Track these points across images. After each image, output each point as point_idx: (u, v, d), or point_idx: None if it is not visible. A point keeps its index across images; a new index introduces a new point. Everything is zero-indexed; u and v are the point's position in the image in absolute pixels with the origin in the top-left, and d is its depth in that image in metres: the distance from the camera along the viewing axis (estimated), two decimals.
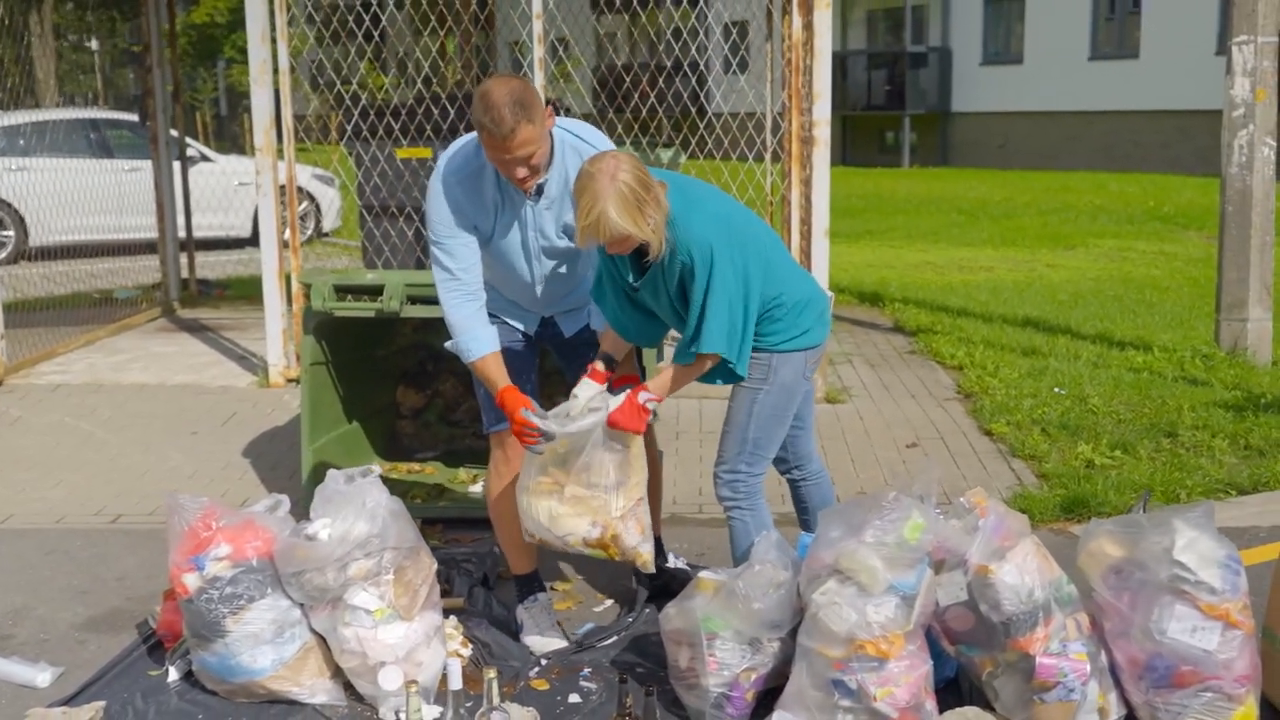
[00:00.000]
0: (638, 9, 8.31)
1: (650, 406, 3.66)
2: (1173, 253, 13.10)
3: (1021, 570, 3.23)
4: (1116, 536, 3.32)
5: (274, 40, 6.80)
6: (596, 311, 3.91)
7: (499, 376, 3.69)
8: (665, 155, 8.17)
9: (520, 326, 4.01)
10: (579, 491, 3.67)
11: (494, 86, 3.44)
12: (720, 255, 3.46)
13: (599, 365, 3.74)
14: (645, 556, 3.75)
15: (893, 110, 29.99)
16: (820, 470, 4.10)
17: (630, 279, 3.63)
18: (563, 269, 3.85)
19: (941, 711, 3.29)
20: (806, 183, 6.76)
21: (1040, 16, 27.46)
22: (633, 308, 3.72)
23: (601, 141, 3.74)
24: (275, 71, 6.85)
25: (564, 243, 3.76)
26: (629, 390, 3.67)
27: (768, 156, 8.07)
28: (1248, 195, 7.33)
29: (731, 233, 3.52)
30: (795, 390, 3.75)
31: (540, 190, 3.65)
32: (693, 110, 9.61)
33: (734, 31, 7.91)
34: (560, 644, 3.96)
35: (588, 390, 3.69)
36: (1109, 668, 3.29)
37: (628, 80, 8.73)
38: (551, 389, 4.56)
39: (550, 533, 3.70)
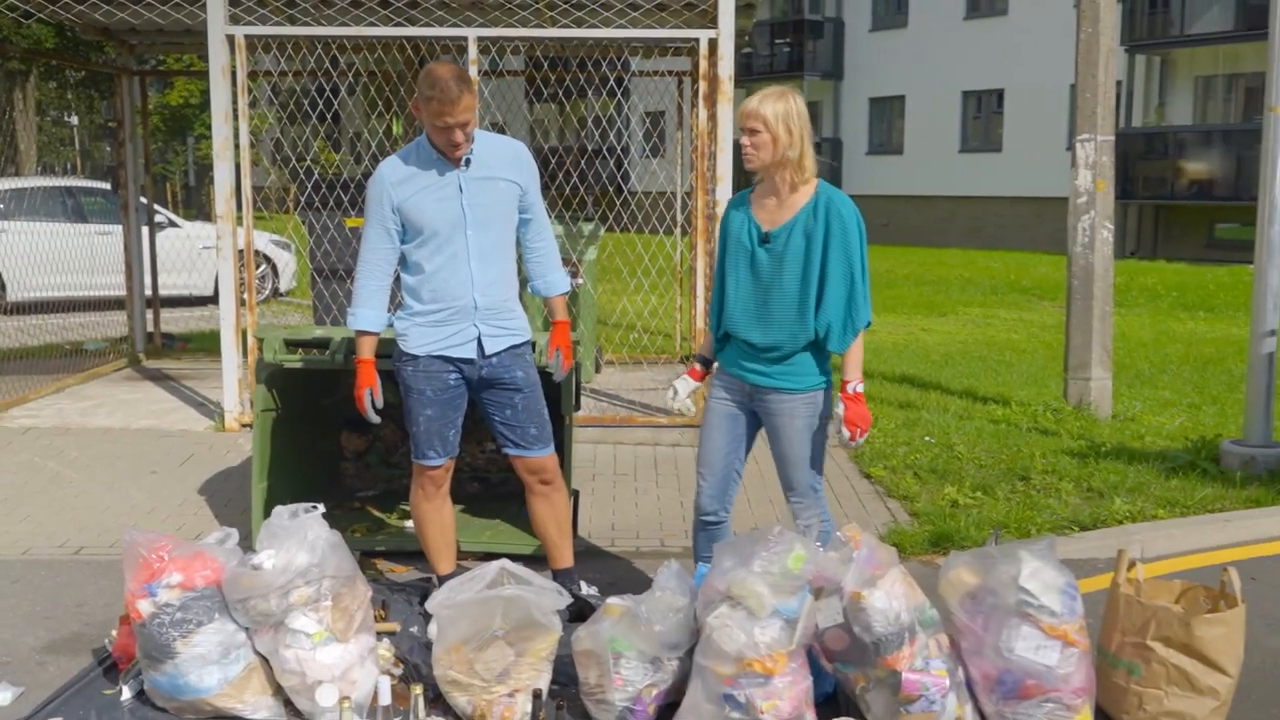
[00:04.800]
0: (563, 99, 8.42)
1: (861, 390, 3.77)
2: (1029, 320, 13.42)
3: (890, 596, 3.28)
4: (972, 566, 3.38)
5: (236, 119, 6.76)
6: (543, 278, 4.20)
7: (366, 350, 4.05)
8: (587, 228, 8.23)
9: (459, 355, 4.00)
10: (458, 676, 3.40)
11: (437, 67, 3.79)
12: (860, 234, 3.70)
13: (696, 365, 4.02)
14: None
15: None
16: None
17: (760, 231, 3.73)
18: (494, 251, 4.00)
19: None
20: (710, 254, 6.85)
21: (918, 114, 28.20)
22: (753, 284, 3.75)
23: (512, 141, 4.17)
24: (236, 148, 6.81)
25: (499, 205, 3.98)
26: (846, 394, 3.74)
27: (677, 230, 8.17)
28: (1090, 271, 7.56)
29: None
30: None
31: (468, 162, 3.92)
32: (611, 189, 9.72)
33: (647, 121, 8.00)
34: None
35: (686, 385, 3.98)
36: (965, 682, 3.33)
37: (555, 162, 8.81)
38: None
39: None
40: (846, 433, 3.75)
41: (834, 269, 3.66)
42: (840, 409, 3.75)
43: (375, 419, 4.14)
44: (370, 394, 4.05)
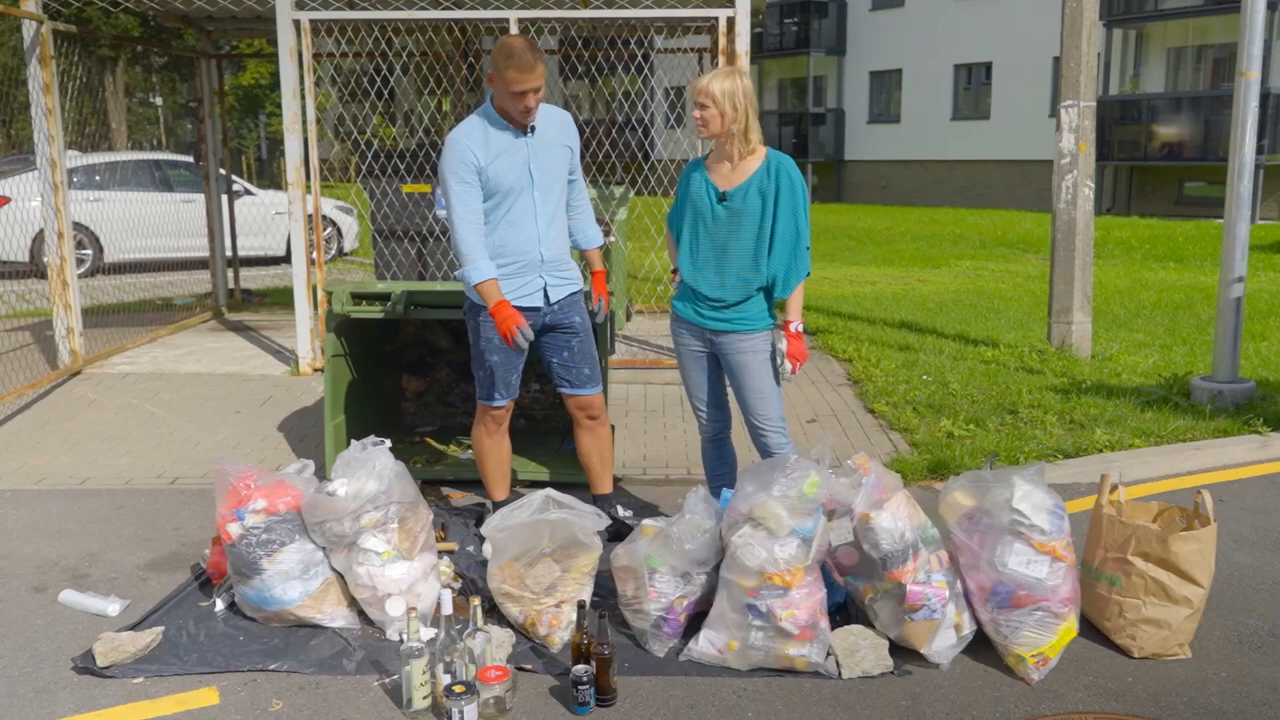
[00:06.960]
0: (594, 75, 8.30)
1: (800, 329, 3.75)
2: (1015, 271, 13.25)
3: (895, 517, 3.26)
4: (969, 490, 3.35)
5: (303, 96, 6.71)
6: (583, 233, 4.16)
7: (497, 293, 3.80)
8: (618, 191, 8.15)
9: (528, 304, 3.94)
10: (510, 589, 3.42)
11: (512, 38, 3.68)
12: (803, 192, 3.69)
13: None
14: (554, 641, 3.39)
15: (798, 158, 30.09)
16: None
17: (717, 191, 3.71)
18: (555, 209, 3.97)
19: (833, 629, 3.31)
20: None
21: (914, 85, 27.73)
22: (710, 238, 3.74)
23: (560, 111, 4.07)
24: (304, 122, 6.76)
25: (557, 168, 3.93)
26: (789, 332, 3.73)
27: None
28: (1072, 226, 7.43)
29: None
30: None
31: (533, 129, 3.84)
32: (639, 156, 9.61)
33: (671, 95, 7.88)
34: None
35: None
36: (963, 593, 3.32)
37: (588, 133, 8.69)
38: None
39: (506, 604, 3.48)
40: (787, 365, 3.74)
41: (783, 224, 3.67)
42: (782, 345, 3.75)
43: (526, 344, 3.84)
44: (520, 330, 3.78)
